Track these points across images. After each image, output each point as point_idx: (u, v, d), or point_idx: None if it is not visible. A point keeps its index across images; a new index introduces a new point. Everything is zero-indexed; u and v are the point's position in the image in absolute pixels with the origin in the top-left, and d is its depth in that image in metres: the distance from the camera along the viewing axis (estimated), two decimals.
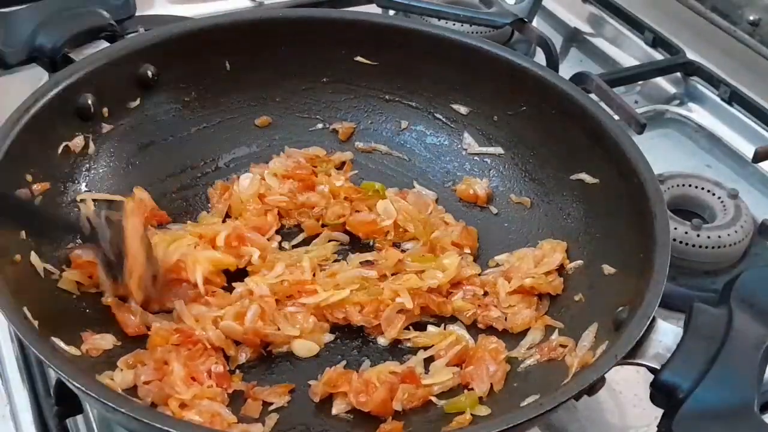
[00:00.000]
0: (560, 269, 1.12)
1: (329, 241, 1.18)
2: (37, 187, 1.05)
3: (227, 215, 1.20)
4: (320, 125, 1.30)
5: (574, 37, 1.75)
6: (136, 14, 1.31)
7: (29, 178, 1.04)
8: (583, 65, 1.68)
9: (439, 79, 1.26)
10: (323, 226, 1.20)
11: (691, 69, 1.59)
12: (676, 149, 1.52)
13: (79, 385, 0.84)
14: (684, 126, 1.56)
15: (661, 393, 0.89)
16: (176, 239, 1.11)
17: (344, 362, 1.03)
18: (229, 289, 1.09)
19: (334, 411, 0.99)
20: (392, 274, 1.12)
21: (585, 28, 1.76)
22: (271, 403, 0.99)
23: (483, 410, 0.98)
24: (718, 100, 1.56)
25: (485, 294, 1.12)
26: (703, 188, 1.29)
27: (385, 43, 1.26)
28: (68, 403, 0.98)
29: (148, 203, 1.15)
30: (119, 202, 1.12)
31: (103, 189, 1.14)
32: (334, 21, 1.27)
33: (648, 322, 0.91)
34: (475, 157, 1.26)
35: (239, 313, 1.03)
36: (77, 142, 1.12)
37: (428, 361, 1.04)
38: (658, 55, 1.64)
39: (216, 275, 1.10)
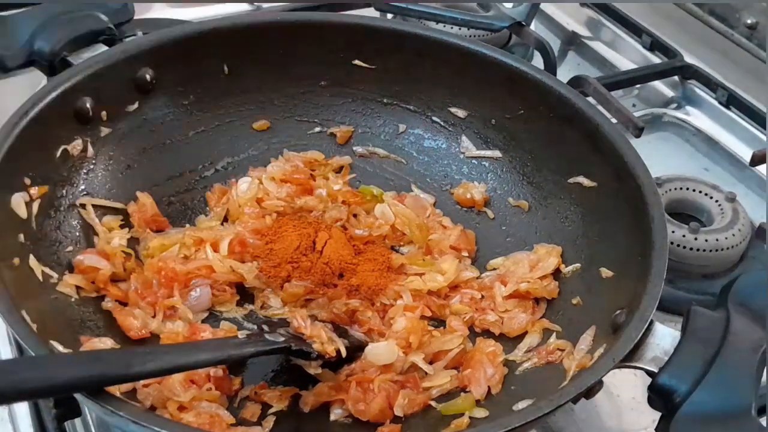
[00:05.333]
0: (556, 273, 1.12)
1: None
2: (35, 191, 1.05)
3: (225, 219, 1.20)
4: (318, 129, 1.30)
5: (571, 41, 1.75)
6: (135, 18, 1.31)
7: (27, 181, 1.04)
8: (580, 69, 1.68)
9: (437, 83, 1.27)
10: None
11: (688, 72, 1.60)
12: (673, 152, 1.52)
13: None
14: (681, 129, 1.56)
15: (659, 396, 0.89)
16: (175, 243, 1.12)
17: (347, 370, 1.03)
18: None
19: (332, 417, 0.99)
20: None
21: (583, 31, 1.76)
22: (270, 406, 0.99)
23: (481, 412, 0.98)
24: (715, 103, 1.56)
25: (482, 298, 1.12)
26: (700, 191, 1.29)
27: (383, 47, 1.26)
28: (66, 406, 0.98)
29: (150, 208, 1.15)
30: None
31: (101, 193, 1.14)
32: (332, 25, 1.27)
33: (645, 326, 0.91)
34: (473, 161, 1.26)
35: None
36: (76, 146, 1.12)
37: None
38: (655, 59, 1.64)
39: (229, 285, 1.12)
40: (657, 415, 0.90)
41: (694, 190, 1.30)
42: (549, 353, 1.03)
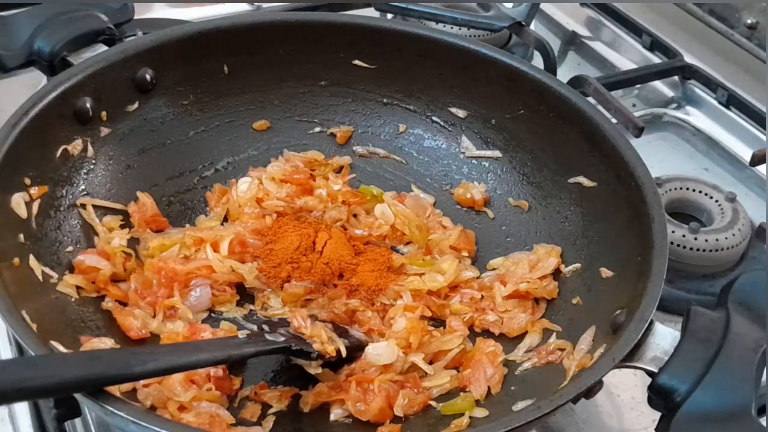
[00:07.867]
0: (556, 273, 1.12)
1: None
2: (35, 191, 1.05)
3: (225, 219, 1.20)
4: (318, 129, 1.30)
5: (572, 41, 1.75)
6: (135, 18, 1.31)
7: (27, 181, 1.04)
8: (580, 69, 1.68)
9: (437, 83, 1.27)
10: None
11: (688, 72, 1.60)
12: (673, 152, 1.52)
13: None
14: (681, 129, 1.56)
15: (659, 396, 0.89)
16: (175, 243, 1.12)
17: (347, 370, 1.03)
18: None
19: (332, 417, 0.99)
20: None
21: (583, 31, 1.76)
22: (270, 406, 0.99)
23: (481, 412, 0.98)
24: (715, 103, 1.56)
25: (482, 298, 1.12)
26: (700, 191, 1.29)
27: (383, 47, 1.26)
28: (66, 406, 0.98)
29: (150, 208, 1.15)
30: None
31: (101, 193, 1.14)
32: (332, 24, 1.27)
33: (645, 326, 0.91)
34: (473, 161, 1.26)
35: None
36: (76, 146, 1.12)
37: None
38: (655, 59, 1.64)
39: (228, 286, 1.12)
40: (657, 415, 0.90)
41: (694, 190, 1.30)
42: (549, 353, 1.03)
